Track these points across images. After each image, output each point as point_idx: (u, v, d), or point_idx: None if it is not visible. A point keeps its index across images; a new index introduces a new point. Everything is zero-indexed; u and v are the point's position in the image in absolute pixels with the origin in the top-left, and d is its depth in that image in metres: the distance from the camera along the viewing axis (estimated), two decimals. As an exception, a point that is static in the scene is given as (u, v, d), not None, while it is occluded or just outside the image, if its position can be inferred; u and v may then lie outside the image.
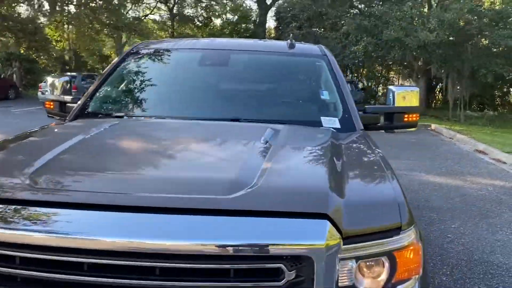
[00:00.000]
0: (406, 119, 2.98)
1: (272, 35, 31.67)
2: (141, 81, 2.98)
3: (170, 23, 34.45)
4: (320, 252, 1.30)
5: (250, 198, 1.41)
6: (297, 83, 3.12)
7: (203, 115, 2.60)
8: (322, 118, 2.67)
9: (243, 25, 33.06)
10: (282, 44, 3.41)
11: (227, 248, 1.29)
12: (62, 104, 3.12)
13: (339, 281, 1.38)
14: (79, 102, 2.91)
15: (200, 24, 34.31)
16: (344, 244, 1.37)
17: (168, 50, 3.25)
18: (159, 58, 3.18)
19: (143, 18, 32.99)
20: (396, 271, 1.45)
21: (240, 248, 1.29)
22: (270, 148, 1.88)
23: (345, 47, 20.55)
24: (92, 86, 3.03)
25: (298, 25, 24.88)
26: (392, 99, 2.97)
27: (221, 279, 1.31)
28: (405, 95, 2.98)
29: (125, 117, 2.62)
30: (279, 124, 2.47)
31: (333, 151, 1.96)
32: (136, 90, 2.96)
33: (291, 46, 3.30)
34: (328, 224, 1.34)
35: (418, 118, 3.07)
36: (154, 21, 35.10)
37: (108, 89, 2.95)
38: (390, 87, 3.02)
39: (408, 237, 1.48)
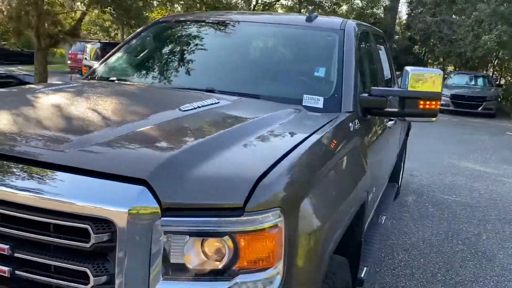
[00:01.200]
0: (421, 106, 2.55)
1: (404, 21, 29.75)
2: (147, 50, 3.07)
3: (297, 8, 34.48)
4: (123, 218, 1.21)
5: (82, 155, 1.37)
6: (294, 58, 2.90)
7: (182, 84, 2.57)
8: (305, 96, 2.44)
9: (369, 11, 31.49)
10: (302, 18, 3.17)
11: (43, 200, 1.27)
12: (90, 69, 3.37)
13: (171, 256, 1.26)
14: (94, 67, 3.11)
15: (328, 10, 33.72)
16: (170, 216, 1.25)
17: (185, 22, 3.26)
18: (172, 29, 3.23)
19: (274, 3, 33.36)
20: (238, 257, 1.28)
21: (52, 202, 1.26)
22: (175, 116, 1.80)
23: (478, 36, 18.22)
24: (109, 53, 3.20)
25: (432, 12, 22.89)
26: (407, 82, 2.57)
27: (41, 232, 1.30)
28: (422, 77, 2.54)
29: (115, 81, 2.72)
30: (247, 98, 2.33)
31: (238, 125, 1.81)
32: (138, 58, 3.05)
33: (309, 19, 3.05)
34: (144, 191, 1.24)
35: (438, 106, 2.60)
36: (282, 5, 35.46)
37: (118, 56, 3.09)
38: (407, 67, 2.60)
39: (258, 221, 1.28)
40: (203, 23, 3.13)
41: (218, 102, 2.11)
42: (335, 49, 2.72)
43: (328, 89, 2.53)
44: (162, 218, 1.25)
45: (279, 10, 34.87)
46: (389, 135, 3.32)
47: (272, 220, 1.31)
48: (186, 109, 1.89)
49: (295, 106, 2.31)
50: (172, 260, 1.27)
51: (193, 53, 2.88)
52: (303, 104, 2.41)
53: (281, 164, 1.46)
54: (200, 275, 1.28)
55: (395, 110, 2.60)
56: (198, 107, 1.95)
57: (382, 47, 4.06)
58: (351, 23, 3.00)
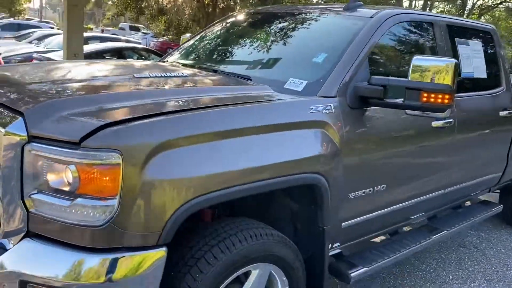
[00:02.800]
0: (425, 99, 2.26)
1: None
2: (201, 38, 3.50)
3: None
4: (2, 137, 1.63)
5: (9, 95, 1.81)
6: (309, 44, 2.82)
7: (203, 64, 2.94)
8: (290, 80, 2.44)
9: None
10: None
11: None
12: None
13: (36, 174, 1.62)
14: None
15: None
16: (35, 143, 1.61)
17: (245, 13, 3.58)
18: (228, 22, 3.58)
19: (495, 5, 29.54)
20: (79, 183, 1.57)
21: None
22: (120, 79, 2.21)
23: None
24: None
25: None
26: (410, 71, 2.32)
27: None
28: (427, 67, 2.25)
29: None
30: (239, 78, 2.55)
31: (155, 89, 2.15)
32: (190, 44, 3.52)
33: (346, 8, 2.96)
34: (18, 120, 1.62)
35: (449, 101, 2.26)
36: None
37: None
38: (415, 56, 2.32)
39: (93, 156, 1.54)
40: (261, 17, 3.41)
41: (181, 75, 2.37)
42: (348, 37, 2.60)
43: (317, 74, 2.46)
44: (30, 143, 1.58)
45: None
46: (426, 138, 2.88)
47: (108, 159, 1.52)
48: (138, 75, 2.20)
49: (265, 87, 2.34)
50: (37, 177, 1.60)
51: (235, 42, 3.23)
52: (284, 86, 2.42)
53: (145, 121, 1.65)
54: (56, 191, 1.60)
55: (395, 101, 2.37)
56: (153, 76, 2.24)
57: (475, 42, 3.54)
58: (390, 13, 2.79)
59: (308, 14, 3.12)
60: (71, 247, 1.60)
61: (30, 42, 14.96)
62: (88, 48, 9.18)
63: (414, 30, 3.00)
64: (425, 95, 2.26)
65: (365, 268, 2.59)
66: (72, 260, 1.57)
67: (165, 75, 2.35)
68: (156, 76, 2.31)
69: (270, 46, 2.94)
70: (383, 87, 2.34)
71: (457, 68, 2.26)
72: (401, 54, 2.92)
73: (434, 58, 2.27)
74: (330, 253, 2.60)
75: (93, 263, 1.57)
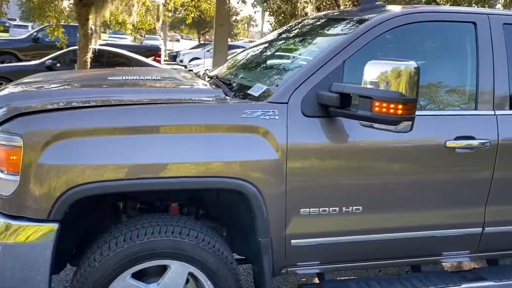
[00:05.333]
0: (377, 109, 1.94)
1: None
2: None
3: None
4: None
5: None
6: (301, 51, 2.64)
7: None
8: (255, 85, 2.38)
9: None
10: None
11: None
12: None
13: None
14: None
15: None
16: None
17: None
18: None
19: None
20: None
21: None
22: (94, 82, 2.61)
23: None
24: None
25: None
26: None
27: None
28: (378, 72, 1.92)
29: None
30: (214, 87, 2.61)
31: (109, 88, 2.40)
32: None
33: (360, 10, 2.69)
34: None
35: (403, 111, 1.88)
36: None
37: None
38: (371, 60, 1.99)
39: (4, 139, 1.93)
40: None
41: (153, 78, 2.57)
42: (327, 42, 2.38)
43: (279, 80, 2.33)
44: None
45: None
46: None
47: (13, 142, 1.89)
48: (111, 78, 2.48)
49: (218, 92, 2.39)
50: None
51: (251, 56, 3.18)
52: (248, 91, 2.37)
53: (47, 114, 1.95)
54: None
55: (350, 111, 2.08)
56: (124, 79, 2.50)
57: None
58: (395, 13, 2.42)
59: (326, 20, 2.94)
60: None
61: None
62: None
63: (427, 33, 2.52)
64: (377, 104, 1.93)
65: None
66: None
67: (137, 78, 2.60)
68: (126, 79, 2.58)
69: (273, 55, 2.89)
70: (339, 94, 2.10)
71: (417, 73, 1.87)
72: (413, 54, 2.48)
73: (391, 61, 1.92)
74: (307, 271, 2.45)
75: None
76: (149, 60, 12.68)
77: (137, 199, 2.42)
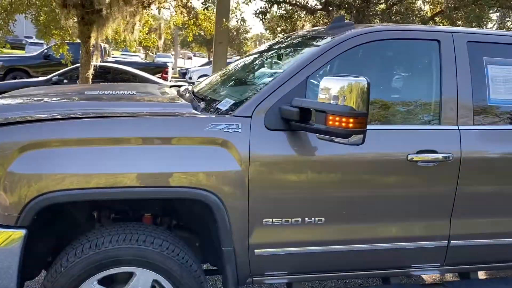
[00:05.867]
0: (331, 122, 2.03)
1: None
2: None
3: None
4: None
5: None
6: (271, 68, 2.73)
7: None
8: (224, 100, 2.49)
9: None
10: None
11: None
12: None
13: None
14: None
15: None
16: None
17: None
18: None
19: None
20: None
21: None
22: (71, 96, 2.74)
23: None
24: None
25: None
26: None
27: None
28: (332, 87, 2.01)
29: None
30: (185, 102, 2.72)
31: (79, 102, 2.56)
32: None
33: (330, 28, 2.80)
34: None
35: (354, 125, 1.97)
36: None
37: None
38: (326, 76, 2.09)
39: None
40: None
41: (128, 93, 2.69)
42: (294, 59, 2.49)
43: (247, 95, 2.43)
44: None
45: None
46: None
47: None
48: (88, 92, 2.61)
49: (187, 105, 2.49)
50: None
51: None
52: (216, 106, 2.47)
53: (15, 126, 2.07)
54: None
55: (308, 125, 2.17)
56: (101, 93, 2.62)
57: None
58: (359, 31, 2.52)
59: (298, 38, 3.05)
60: None
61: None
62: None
63: (391, 51, 2.61)
64: (331, 118, 2.02)
65: None
66: None
67: (113, 93, 2.73)
68: (103, 93, 2.71)
69: (247, 72, 3.00)
70: (299, 109, 2.19)
71: (367, 88, 1.96)
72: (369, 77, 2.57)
73: (344, 77, 2.01)
74: (275, 281, 2.50)
75: None
76: (153, 77, 12.98)
77: (112, 208, 2.51)
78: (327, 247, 2.44)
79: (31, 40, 32.44)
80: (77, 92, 2.91)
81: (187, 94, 2.97)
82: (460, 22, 8.35)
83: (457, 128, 2.54)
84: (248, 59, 3.34)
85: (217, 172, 2.19)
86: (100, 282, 2.17)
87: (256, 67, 3.01)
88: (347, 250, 2.47)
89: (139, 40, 10.58)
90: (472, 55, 2.62)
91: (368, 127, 2.39)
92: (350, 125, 1.97)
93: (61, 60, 9.90)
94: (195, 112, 2.40)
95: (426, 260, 2.65)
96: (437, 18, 10.10)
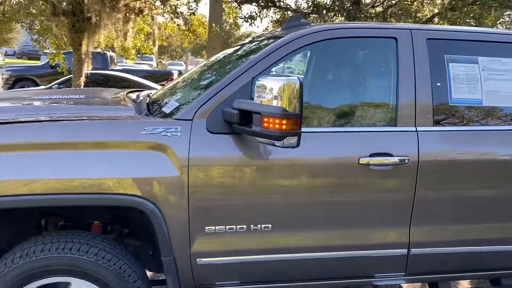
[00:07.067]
0: (266, 124, 1.93)
1: None
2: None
3: None
4: None
5: None
6: (221, 71, 2.64)
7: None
8: (171, 103, 2.41)
9: None
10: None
11: None
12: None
13: None
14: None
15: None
16: None
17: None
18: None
19: None
20: None
21: None
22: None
23: None
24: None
25: None
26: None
27: None
28: (266, 87, 1.92)
29: None
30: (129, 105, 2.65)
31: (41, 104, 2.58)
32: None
33: (285, 28, 2.71)
34: None
35: (287, 126, 1.87)
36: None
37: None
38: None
39: None
40: None
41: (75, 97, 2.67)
42: (242, 60, 2.40)
43: (191, 98, 2.35)
44: None
45: None
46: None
47: None
48: (35, 97, 2.59)
49: (130, 109, 2.42)
50: None
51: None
52: (162, 109, 2.39)
53: None
54: None
55: (246, 127, 2.07)
56: (48, 98, 2.60)
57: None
58: (310, 30, 2.40)
59: (253, 40, 2.95)
60: None
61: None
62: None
63: (346, 49, 2.50)
64: (265, 119, 1.93)
65: None
66: None
67: (59, 97, 2.68)
68: (49, 98, 2.66)
69: (201, 76, 2.90)
70: (239, 111, 2.10)
71: (299, 88, 1.86)
72: (320, 77, 2.47)
73: (275, 77, 1.91)
74: None
75: None
76: (154, 84, 13.04)
77: (62, 216, 2.44)
78: (278, 256, 2.32)
79: (46, 50, 33.22)
80: (28, 97, 2.87)
81: (141, 98, 2.89)
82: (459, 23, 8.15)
83: (415, 129, 2.41)
84: (209, 62, 3.26)
85: (152, 178, 2.10)
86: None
87: (213, 70, 2.92)
88: (300, 259, 2.35)
89: (138, 47, 10.60)
90: (433, 53, 2.50)
91: (317, 130, 2.33)
92: (284, 127, 1.87)
93: (57, 69, 9.97)
94: (136, 115, 2.32)
95: (387, 269, 2.51)
96: (436, 19, 9.90)
